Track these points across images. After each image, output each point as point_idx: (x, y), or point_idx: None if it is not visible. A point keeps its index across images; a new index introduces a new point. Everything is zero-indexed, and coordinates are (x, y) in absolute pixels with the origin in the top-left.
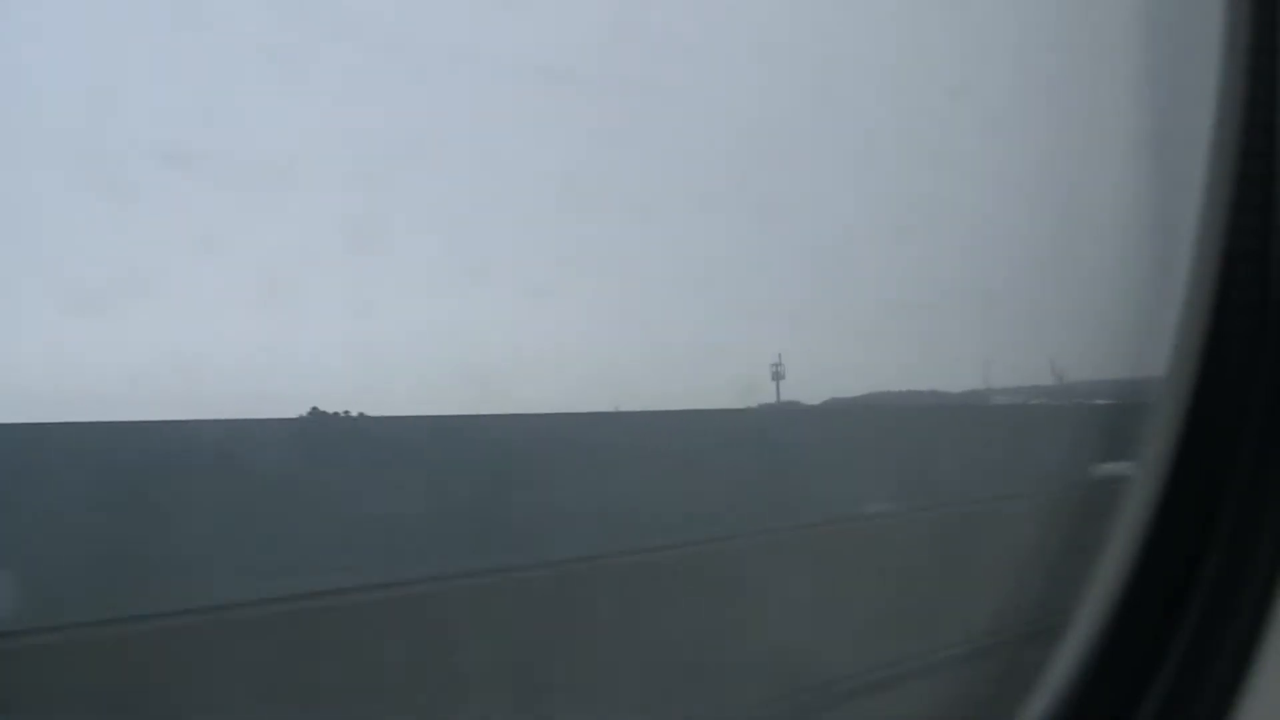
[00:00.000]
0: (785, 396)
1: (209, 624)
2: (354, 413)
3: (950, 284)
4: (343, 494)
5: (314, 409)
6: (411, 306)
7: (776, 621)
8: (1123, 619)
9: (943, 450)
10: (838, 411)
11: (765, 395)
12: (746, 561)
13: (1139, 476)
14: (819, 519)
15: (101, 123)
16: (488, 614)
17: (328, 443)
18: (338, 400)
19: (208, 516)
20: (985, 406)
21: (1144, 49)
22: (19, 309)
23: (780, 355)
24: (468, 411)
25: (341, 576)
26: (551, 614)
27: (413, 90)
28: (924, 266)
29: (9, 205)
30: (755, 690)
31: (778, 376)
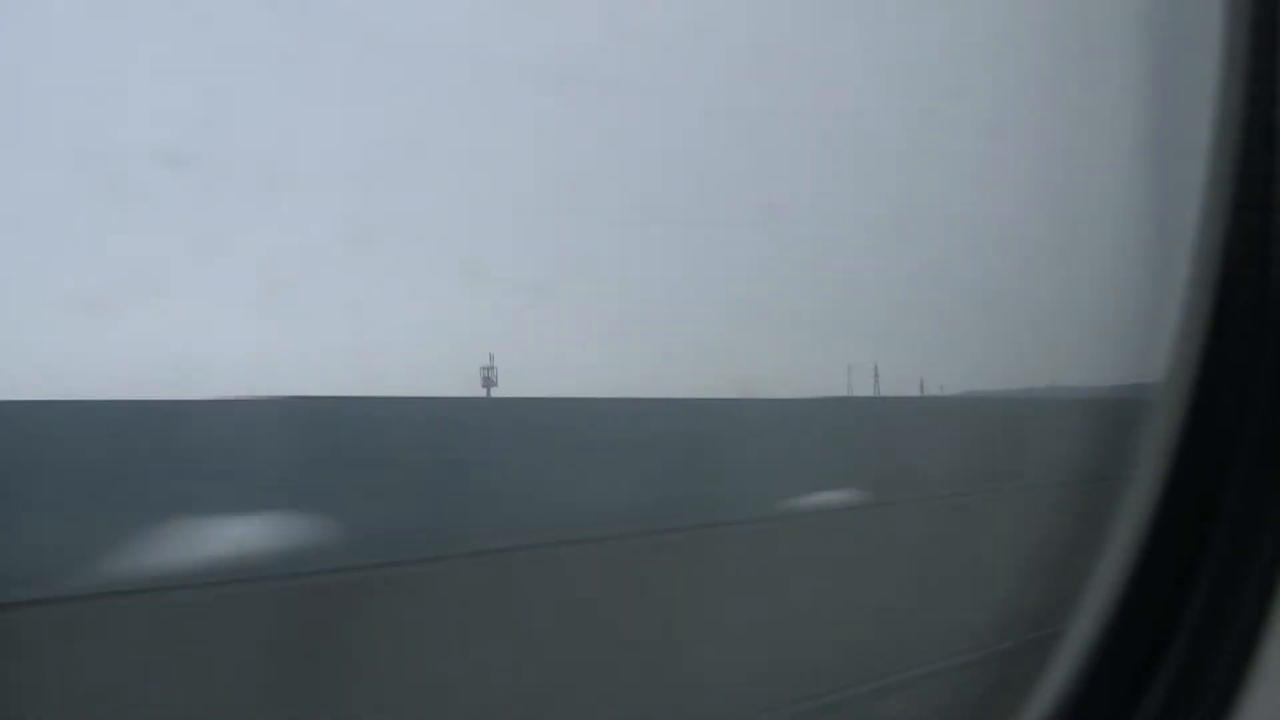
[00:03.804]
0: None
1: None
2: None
3: (948, 285)
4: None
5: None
6: (411, 306)
7: None
8: (1123, 619)
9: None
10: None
11: (762, 394)
12: None
13: (1139, 476)
14: None
15: (101, 123)
16: None
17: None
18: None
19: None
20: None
21: (1144, 49)
22: (18, 310)
23: (492, 357)
24: None
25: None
26: None
27: (413, 90)
28: (921, 267)
29: (8, 205)
30: None
31: (488, 383)
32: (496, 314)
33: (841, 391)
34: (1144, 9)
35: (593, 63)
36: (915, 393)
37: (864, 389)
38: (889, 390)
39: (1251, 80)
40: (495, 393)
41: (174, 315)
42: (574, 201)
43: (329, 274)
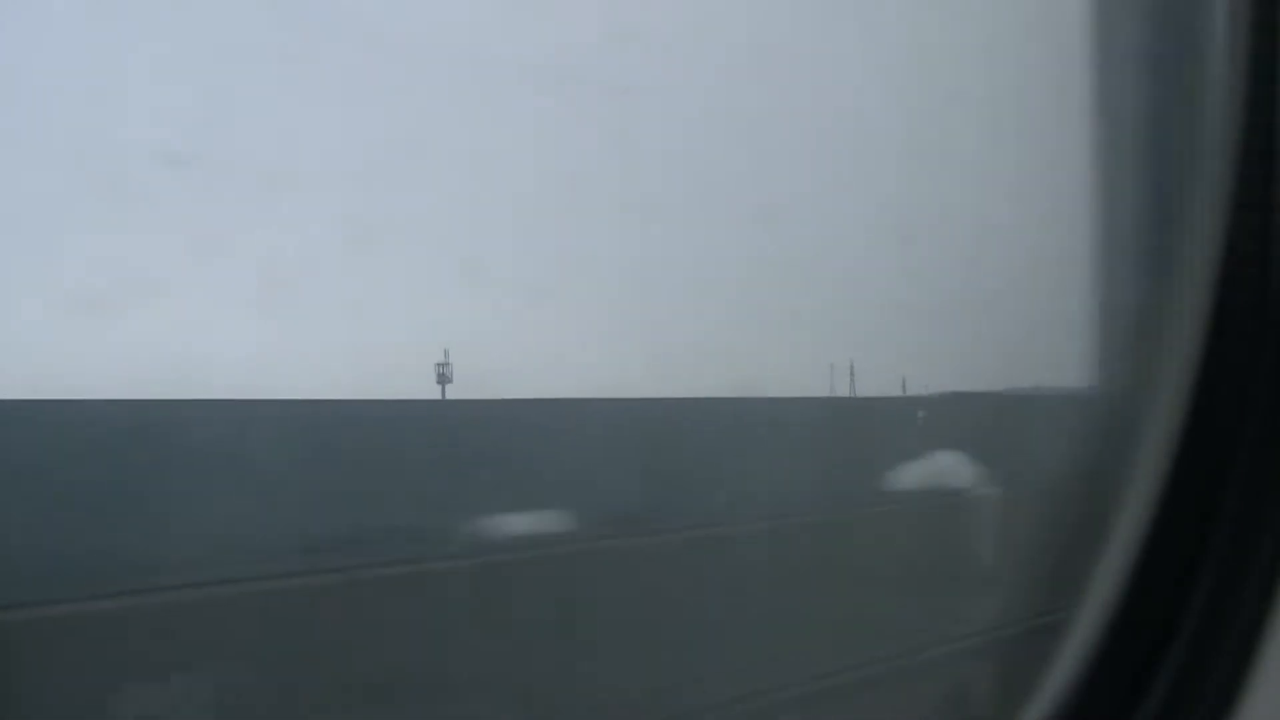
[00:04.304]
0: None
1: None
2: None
3: (947, 285)
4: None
5: None
6: (411, 306)
7: None
8: (1123, 619)
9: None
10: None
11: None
12: None
13: (1139, 476)
14: None
15: (101, 123)
16: None
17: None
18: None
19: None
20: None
21: (1144, 49)
22: (18, 310)
23: (447, 353)
24: None
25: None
26: None
27: (413, 90)
28: (921, 267)
29: (8, 205)
30: None
31: (443, 380)
32: (496, 314)
33: (825, 391)
34: (1144, 8)
35: (593, 63)
36: (916, 393)
37: (861, 389)
38: (886, 390)
39: (1252, 81)
40: (450, 389)
41: (174, 315)
42: (574, 201)
43: (329, 274)
